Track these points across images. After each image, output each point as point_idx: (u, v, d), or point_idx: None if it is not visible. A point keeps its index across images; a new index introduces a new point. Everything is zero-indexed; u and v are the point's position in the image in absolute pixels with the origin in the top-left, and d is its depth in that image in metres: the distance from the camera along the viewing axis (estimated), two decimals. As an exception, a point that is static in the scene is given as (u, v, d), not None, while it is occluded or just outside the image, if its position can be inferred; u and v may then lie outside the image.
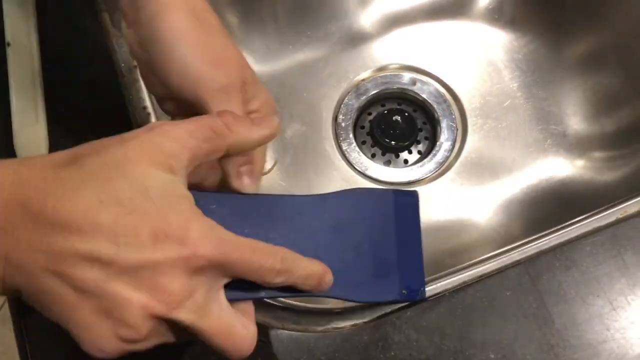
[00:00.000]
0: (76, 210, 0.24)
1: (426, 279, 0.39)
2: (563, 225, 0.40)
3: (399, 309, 0.38)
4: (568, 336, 0.37)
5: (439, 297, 0.38)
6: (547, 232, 0.40)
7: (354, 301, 0.34)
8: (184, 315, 0.26)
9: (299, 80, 0.64)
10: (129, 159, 0.26)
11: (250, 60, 0.62)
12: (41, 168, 0.26)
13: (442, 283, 0.38)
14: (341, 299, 0.32)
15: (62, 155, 0.26)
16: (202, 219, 0.26)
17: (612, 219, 0.40)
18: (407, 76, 0.65)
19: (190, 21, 0.31)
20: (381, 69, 0.65)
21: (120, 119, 0.42)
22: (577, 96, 0.61)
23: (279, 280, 0.28)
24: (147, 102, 0.44)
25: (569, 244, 0.39)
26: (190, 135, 0.27)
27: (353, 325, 0.37)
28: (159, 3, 0.31)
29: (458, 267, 0.39)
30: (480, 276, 0.38)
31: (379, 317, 0.38)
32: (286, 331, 0.37)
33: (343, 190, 0.33)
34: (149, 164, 0.26)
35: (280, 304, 0.38)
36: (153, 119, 0.43)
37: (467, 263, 0.39)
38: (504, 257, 0.39)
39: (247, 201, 0.31)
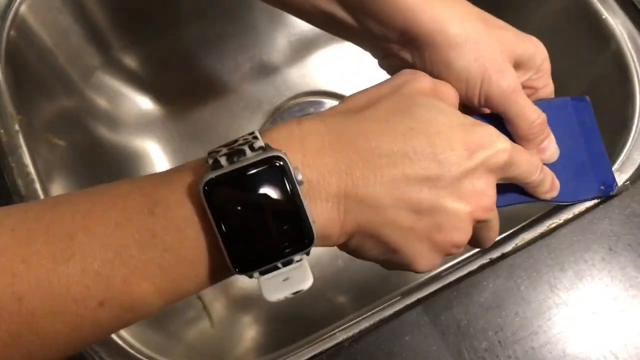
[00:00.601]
0: (396, 141, 0.27)
1: (326, 329, 0.39)
2: (458, 260, 0.40)
3: (299, 365, 0.37)
4: (469, 375, 0.36)
5: (339, 347, 0.37)
6: (442, 269, 0.40)
7: (564, 202, 0.37)
8: (493, 214, 0.30)
9: (213, 116, 0.63)
10: (412, 94, 0.30)
11: (158, 101, 0.62)
12: (340, 116, 0.29)
13: (340, 331, 0.38)
14: (556, 202, 0.35)
15: (345, 106, 0.30)
16: (487, 124, 0.30)
17: (508, 248, 0.40)
18: (321, 101, 0.65)
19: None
20: (295, 96, 0.65)
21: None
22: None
23: (538, 179, 0.32)
24: (31, 168, 0.42)
25: (465, 279, 0.39)
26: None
27: (254, 386, 0.37)
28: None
29: (357, 313, 0.39)
30: (380, 321, 0.38)
31: (279, 374, 0.37)
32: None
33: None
34: (428, 95, 0.30)
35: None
36: (37, 184, 0.42)
37: (365, 309, 0.39)
38: (401, 299, 0.38)
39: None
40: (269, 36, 0.65)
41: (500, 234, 0.41)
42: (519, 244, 0.40)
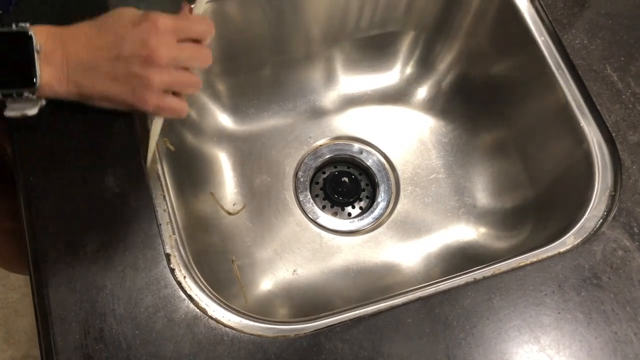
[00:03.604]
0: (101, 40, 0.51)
1: (352, 305, 0.54)
2: (452, 275, 0.55)
3: (330, 326, 0.52)
4: (448, 353, 0.51)
5: (360, 319, 0.52)
6: (439, 280, 0.55)
7: None
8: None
9: (269, 140, 0.79)
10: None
11: (232, 120, 0.77)
12: (84, 28, 0.51)
13: (363, 310, 0.53)
14: None
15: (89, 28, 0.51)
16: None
17: (489, 274, 0.55)
18: (356, 146, 0.81)
19: None
20: (336, 138, 0.81)
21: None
22: (486, 176, 0.78)
23: None
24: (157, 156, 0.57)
25: (455, 289, 0.54)
26: None
27: (296, 335, 0.51)
28: None
29: (375, 299, 0.54)
30: (391, 307, 0.53)
31: (315, 330, 0.51)
32: (247, 335, 0.51)
33: None
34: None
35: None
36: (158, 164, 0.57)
37: (382, 297, 0.54)
38: (408, 294, 0.54)
39: None
40: (324, 88, 0.82)
41: (481, 266, 0.57)
42: (495, 272, 0.56)
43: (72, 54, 0.48)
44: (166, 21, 0.50)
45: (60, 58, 0.48)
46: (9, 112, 0.49)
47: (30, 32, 0.46)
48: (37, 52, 0.46)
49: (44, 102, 0.50)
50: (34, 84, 0.47)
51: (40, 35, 0.47)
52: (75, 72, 0.49)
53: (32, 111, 0.49)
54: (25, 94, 0.47)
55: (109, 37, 0.49)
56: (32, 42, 0.46)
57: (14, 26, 0.46)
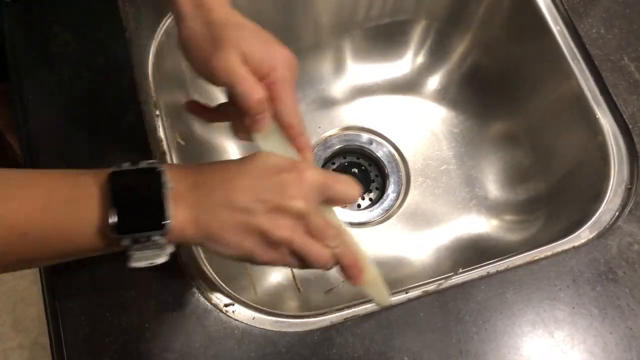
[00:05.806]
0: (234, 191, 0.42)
1: (363, 299, 0.53)
2: (465, 269, 0.54)
3: (341, 320, 0.51)
4: (460, 348, 0.51)
5: (372, 313, 0.51)
6: (452, 273, 0.54)
7: None
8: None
9: (278, 131, 0.78)
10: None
11: (240, 111, 0.76)
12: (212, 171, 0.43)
13: (375, 303, 0.52)
14: None
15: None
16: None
17: (502, 267, 0.55)
18: (366, 137, 0.80)
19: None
20: (345, 128, 0.80)
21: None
22: (498, 167, 0.77)
23: None
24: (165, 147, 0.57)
25: (468, 283, 0.53)
26: None
27: (307, 329, 0.51)
28: None
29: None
30: (403, 300, 0.52)
31: (326, 325, 0.51)
32: (258, 329, 0.50)
33: None
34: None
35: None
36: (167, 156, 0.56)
37: (393, 290, 0.53)
38: (422, 288, 0.53)
39: None
40: (333, 78, 0.81)
41: (495, 260, 0.56)
42: (509, 266, 0.55)
43: (204, 194, 0.41)
44: (314, 175, 0.43)
45: (192, 199, 0.41)
46: (136, 263, 0.41)
47: (160, 168, 0.40)
48: (168, 190, 0.40)
49: (172, 249, 0.42)
50: (164, 225, 0.39)
51: (172, 173, 0.41)
52: (205, 213, 0.41)
53: (161, 259, 0.41)
54: (155, 237, 0.40)
55: (247, 179, 0.42)
56: (161, 179, 0.40)
57: (141, 164, 0.41)
